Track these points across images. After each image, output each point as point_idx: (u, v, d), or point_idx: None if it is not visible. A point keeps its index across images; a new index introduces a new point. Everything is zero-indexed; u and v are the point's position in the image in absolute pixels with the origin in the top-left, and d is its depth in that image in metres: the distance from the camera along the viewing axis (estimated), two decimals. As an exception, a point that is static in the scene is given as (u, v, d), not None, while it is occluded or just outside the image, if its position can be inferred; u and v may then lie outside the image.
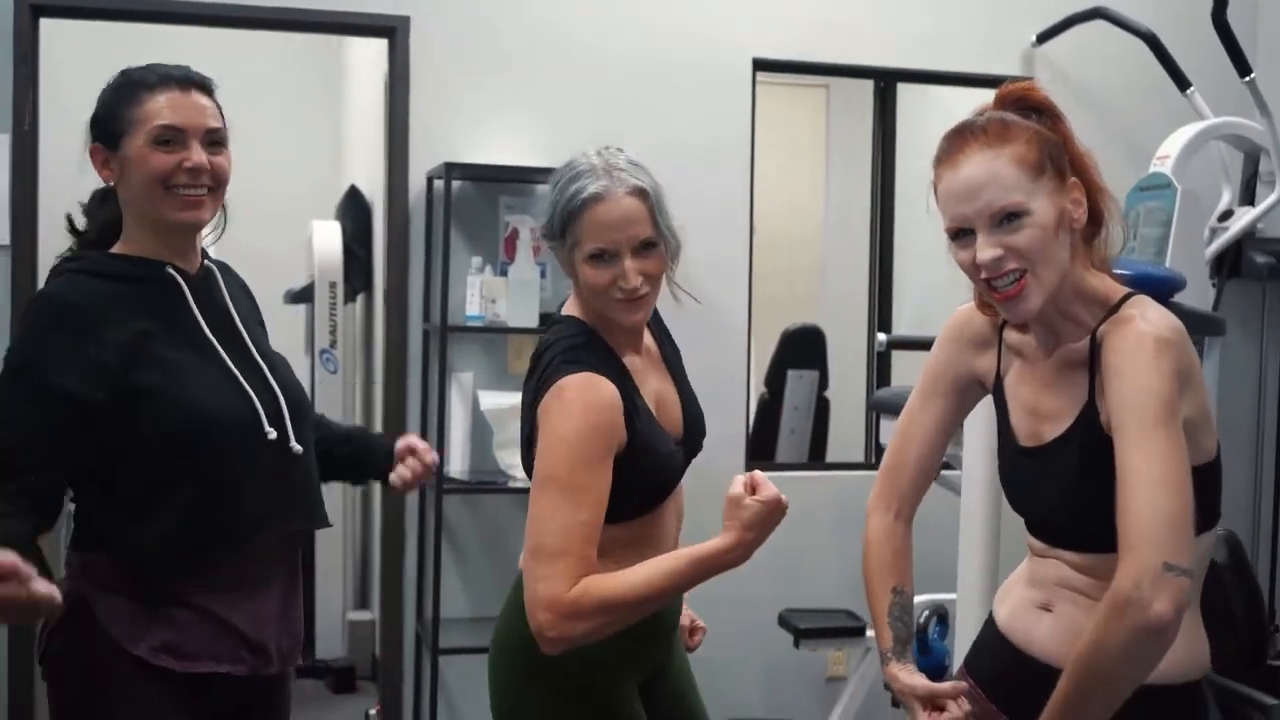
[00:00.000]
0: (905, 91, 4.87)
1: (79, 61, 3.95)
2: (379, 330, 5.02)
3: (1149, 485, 1.67)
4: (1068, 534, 1.89)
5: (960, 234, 1.84)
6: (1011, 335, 2.00)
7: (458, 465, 4.26)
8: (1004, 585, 2.09)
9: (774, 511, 1.98)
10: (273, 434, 2.17)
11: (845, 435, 5.44)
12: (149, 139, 2.12)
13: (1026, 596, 1.98)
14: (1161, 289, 3.20)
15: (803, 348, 5.82)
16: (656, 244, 2.17)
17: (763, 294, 5.38)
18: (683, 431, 2.30)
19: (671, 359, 2.38)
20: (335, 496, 5.54)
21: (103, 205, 2.24)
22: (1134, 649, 1.66)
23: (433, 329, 4.24)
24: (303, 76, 6.84)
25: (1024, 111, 1.90)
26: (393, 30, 4.24)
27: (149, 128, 2.12)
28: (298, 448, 2.21)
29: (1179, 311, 3.22)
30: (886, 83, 4.83)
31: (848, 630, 4.19)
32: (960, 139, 1.84)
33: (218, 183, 2.18)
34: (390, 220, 4.34)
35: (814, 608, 4.36)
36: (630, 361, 2.22)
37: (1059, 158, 1.84)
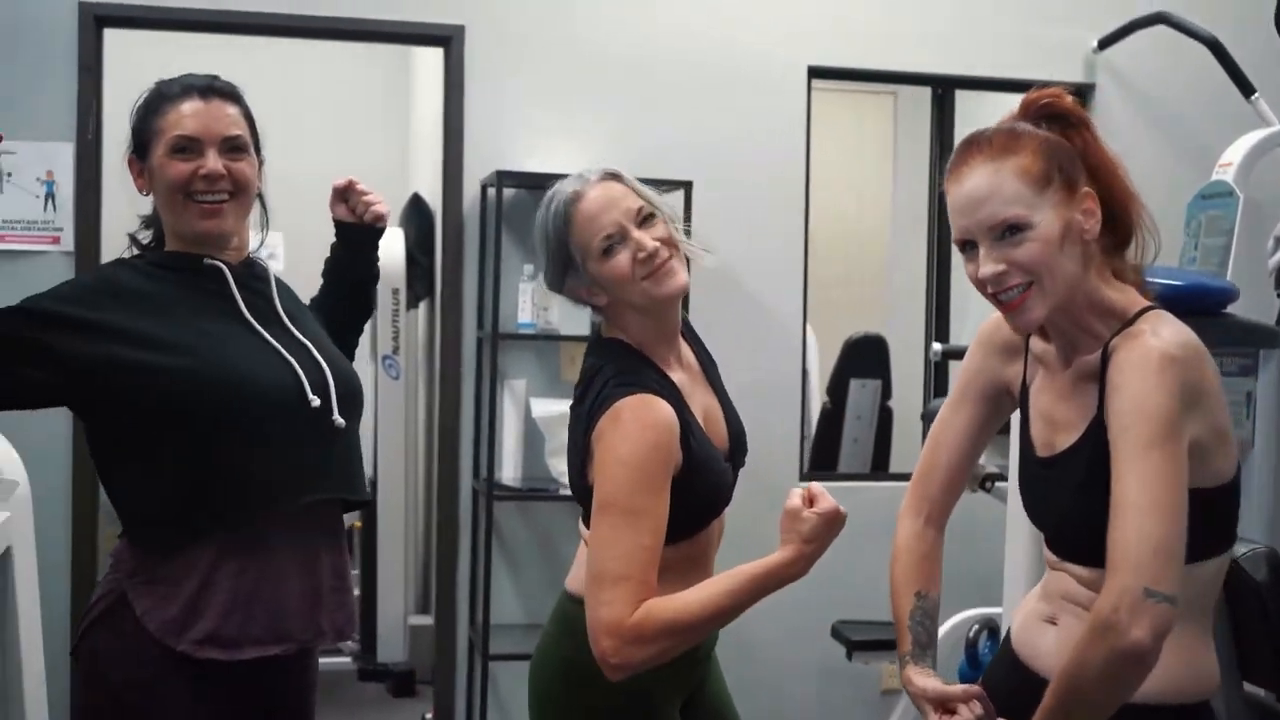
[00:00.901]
0: (971, 99, 4.82)
1: (144, 71, 4.02)
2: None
3: (1138, 508, 1.65)
4: (1074, 547, 1.86)
5: (966, 246, 1.82)
6: (1037, 344, 1.97)
7: (510, 472, 4.28)
8: (1023, 599, 2.07)
9: (833, 523, 1.95)
10: (316, 401, 2.18)
11: (909, 445, 5.39)
12: (168, 148, 2.17)
13: (1036, 610, 1.96)
14: (1213, 300, 3.15)
15: (865, 357, 5.79)
16: (654, 214, 2.14)
17: (828, 302, 5.34)
18: (729, 446, 2.27)
19: (710, 372, 2.34)
20: (398, 501, 5.60)
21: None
22: (1112, 672, 1.65)
23: (486, 336, 4.27)
24: (372, 86, 6.93)
25: (1048, 120, 1.87)
26: (448, 39, 4.29)
27: (168, 137, 2.17)
28: (340, 421, 2.21)
29: (1231, 323, 3.17)
30: (944, 90, 4.79)
31: (901, 642, 4.13)
32: (966, 151, 1.82)
33: (238, 188, 2.21)
34: (445, 228, 4.38)
35: (868, 619, 4.32)
36: (677, 378, 2.18)
37: (1070, 167, 1.81)
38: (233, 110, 2.24)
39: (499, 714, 4.33)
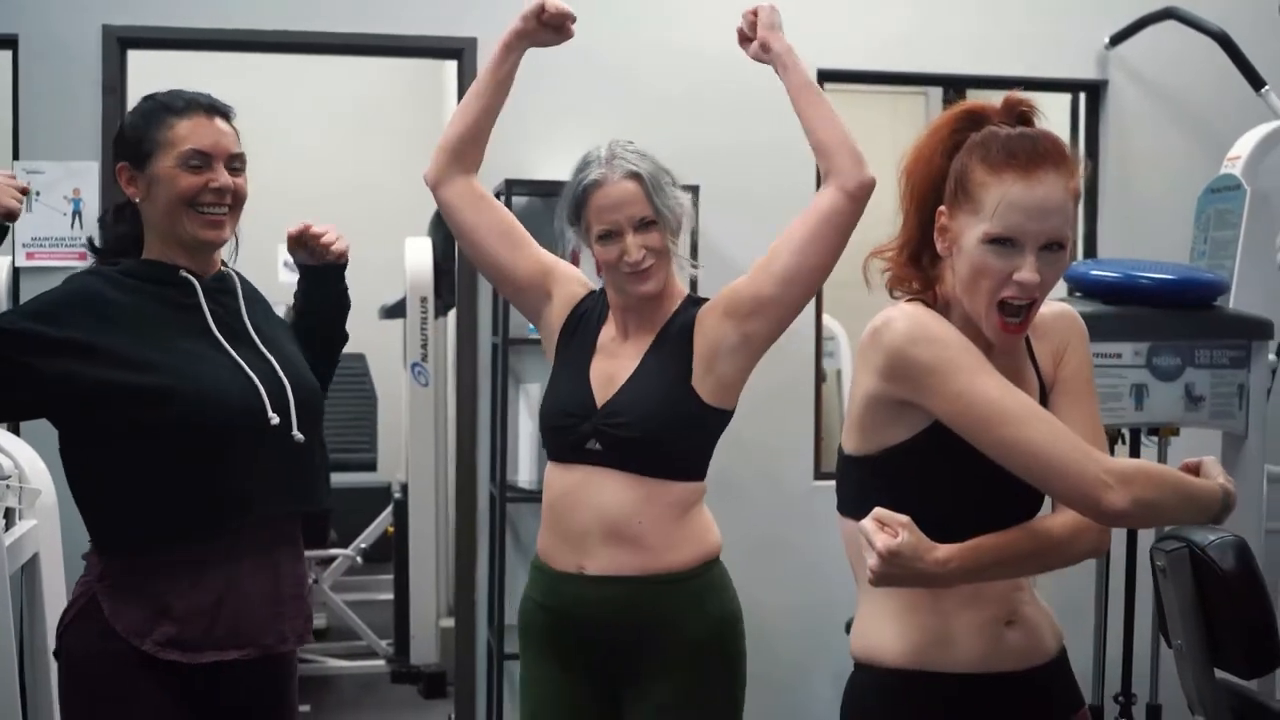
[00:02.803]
0: (983, 98, 4.82)
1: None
2: (464, 344, 5.12)
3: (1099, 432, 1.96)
4: None
5: (1006, 242, 1.83)
6: None
7: (525, 474, 4.35)
8: None
9: None
10: (275, 419, 2.27)
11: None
12: (179, 161, 2.26)
13: None
14: (1203, 292, 3.17)
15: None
16: (656, 221, 2.43)
17: (866, 305, 5.32)
18: (606, 407, 2.48)
19: (662, 352, 2.51)
20: (429, 506, 5.67)
21: (118, 220, 2.39)
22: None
23: (500, 342, 4.34)
24: (404, 96, 7.05)
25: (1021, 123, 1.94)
26: (460, 51, 4.37)
27: (179, 150, 2.26)
28: (299, 436, 2.31)
29: (1223, 315, 3.19)
30: (956, 90, 4.81)
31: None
32: (1037, 152, 1.84)
33: (237, 202, 2.34)
34: (461, 236, 4.45)
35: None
36: (611, 336, 2.52)
37: None
38: (230, 129, 2.36)
39: (518, 715, 4.38)
